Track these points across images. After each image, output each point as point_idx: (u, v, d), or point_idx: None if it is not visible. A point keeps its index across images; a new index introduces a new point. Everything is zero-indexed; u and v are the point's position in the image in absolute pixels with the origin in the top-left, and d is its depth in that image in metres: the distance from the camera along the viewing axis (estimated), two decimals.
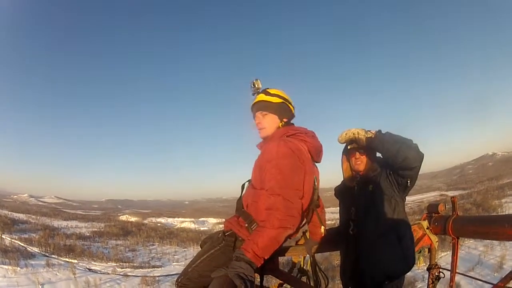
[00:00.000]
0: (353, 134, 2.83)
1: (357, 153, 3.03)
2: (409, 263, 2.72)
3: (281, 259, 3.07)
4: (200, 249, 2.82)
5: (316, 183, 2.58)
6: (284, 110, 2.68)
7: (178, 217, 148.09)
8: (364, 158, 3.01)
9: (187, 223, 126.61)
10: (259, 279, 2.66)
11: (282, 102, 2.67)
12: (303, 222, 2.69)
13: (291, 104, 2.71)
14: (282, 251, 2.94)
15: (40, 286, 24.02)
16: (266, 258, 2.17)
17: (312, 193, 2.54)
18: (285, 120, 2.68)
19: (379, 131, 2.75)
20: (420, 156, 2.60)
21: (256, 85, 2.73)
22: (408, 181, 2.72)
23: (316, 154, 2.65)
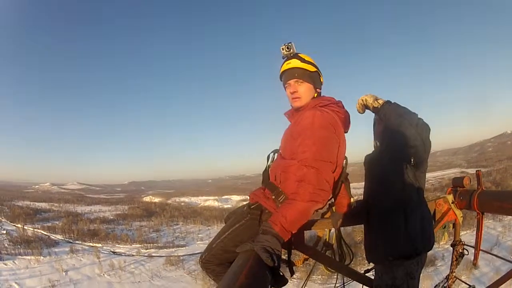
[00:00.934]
0: (362, 101, 2.73)
1: (377, 122, 2.82)
2: (416, 245, 2.50)
3: (305, 233, 2.89)
4: (224, 224, 2.77)
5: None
6: (317, 79, 2.59)
7: (202, 196, 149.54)
8: (380, 127, 2.77)
9: (211, 201, 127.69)
10: (286, 254, 2.55)
11: (316, 71, 2.56)
12: (332, 194, 2.58)
13: (321, 73, 2.62)
14: (308, 224, 2.80)
15: (64, 273, 24.12)
16: (293, 232, 2.11)
17: (342, 166, 2.47)
18: (318, 90, 2.59)
19: (388, 101, 2.60)
20: (421, 135, 2.40)
21: (291, 49, 2.56)
22: (412, 159, 2.50)
23: (346, 124, 2.56)
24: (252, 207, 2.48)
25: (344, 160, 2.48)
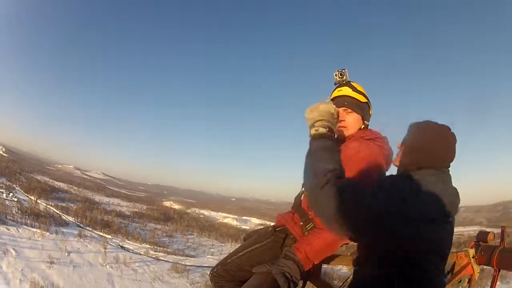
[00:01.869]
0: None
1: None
2: None
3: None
4: (243, 242, 2.74)
5: None
6: (367, 111, 2.54)
7: (222, 212, 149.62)
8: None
9: (230, 219, 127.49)
10: (301, 284, 2.49)
11: (366, 102, 2.51)
12: None
13: (371, 105, 2.56)
14: (328, 258, 2.51)
15: (66, 254, 23.30)
16: (315, 262, 2.10)
17: None
18: (366, 122, 2.54)
19: (313, 136, 1.85)
20: (321, 209, 1.69)
21: (344, 76, 2.51)
22: None
23: (388, 162, 2.36)
24: (277, 229, 2.44)
25: None
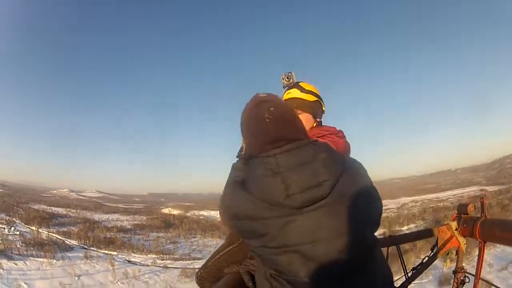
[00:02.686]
0: None
1: None
2: None
3: None
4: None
5: None
6: (318, 109, 2.58)
7: None
8: None
9: None
10: None
11: (317, 100, 2.57)
12: None
13: (323, 102, 2.62)
14: None
15: (76, 278, 23.47)
16: None
17: None
18: (318, 119, 2.58)
19: (240, 154, 1.99)
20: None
21: (291, 79, 2.58)
22: None
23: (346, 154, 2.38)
24: None
25: None
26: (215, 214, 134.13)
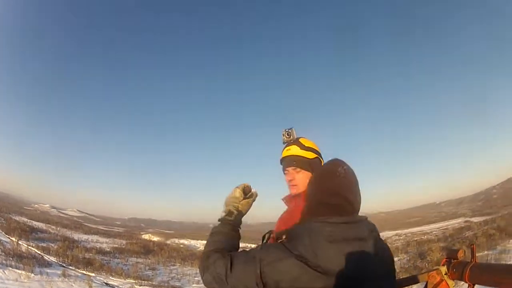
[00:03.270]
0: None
1: None
2: None
3: None
4: None
5: None
6: (317, 167, 2.48)
7: (201, 240, 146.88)
8: None
9: None
10: None
11: (316, 157, 2.55)
12: None
13: (322, 158, 2.57)
14: None
15: None
16: None
17: None
18: None
19: (220, 218, 2.18)
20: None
21: (291, 136, 2.61)
22: None
23: None
24: None
25: None
26: (195, 243, 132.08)
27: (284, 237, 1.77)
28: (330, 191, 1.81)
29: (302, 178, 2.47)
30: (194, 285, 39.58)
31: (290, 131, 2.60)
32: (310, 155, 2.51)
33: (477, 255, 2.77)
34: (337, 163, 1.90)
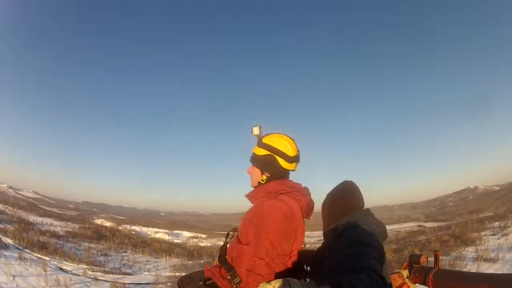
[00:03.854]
0: None
1: None
2: None
3: None
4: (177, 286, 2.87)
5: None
6: (268, 164, 2.54)
7: (153, 227, 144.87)
8: None
9: (161, 234, 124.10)
10: None
11: (268, 154, 2.52)
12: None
13: (283, 157, 2.50)
14: None
15: (11, 278, 23.71)
16: None
17: (298, 254, 2.45)
18: (267, 174, 2.55)
19: None
20: None
21: (254, 132, 2.71)
22: None
23: (307, 213, 2.54)
24: (208, 283, 2.48)
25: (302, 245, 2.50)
26: (147, 230, 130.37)
27: None
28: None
29: (253, 173, 2.59)
30: (145, 272, 40.62)
31: (253, 128, 2.67)
32: (262, 152, 2.52)
33: (429, 259, 2.99)
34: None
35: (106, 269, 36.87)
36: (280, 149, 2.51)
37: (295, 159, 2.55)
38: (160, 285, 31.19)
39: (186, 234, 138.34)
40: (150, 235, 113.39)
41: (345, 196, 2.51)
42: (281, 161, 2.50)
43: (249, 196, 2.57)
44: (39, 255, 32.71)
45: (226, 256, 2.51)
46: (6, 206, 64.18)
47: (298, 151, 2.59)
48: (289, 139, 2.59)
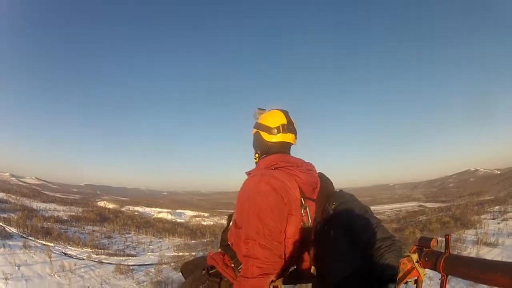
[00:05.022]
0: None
1: None
2: None
3: None
4: (180, 273, 2.75)
5: (310, 219, 2.34)
6: (256, 141, 2.54)
7: (156, 207, 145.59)
8: None
9: (164, 214, 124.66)
10: None
11: (255, 132, 2.53)
12: (291, 263, 2.43)
13: (265, 129, 2.45)
14: None
15: (16, 268, 24.34)
16: None
17: (300, 232, 2.30)
18: (258, 152, 2.51)
19: None
20: None
21: (256, 116, 2.63)
22: None
23: (309, 190, 2.37)
24: (211, 272, 2.39)
25: (302, 226, 2.32)
26: (150, 210, 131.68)
27: None
28: None
29: (253, 151, 2.60)
30: (149, 253, 41.52)
31: (255, 112, 2.62)
32: (253, 131, 2.55)
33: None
34: None
35: (110, 251, 37.67)
36: (262, 123, 2.47)
37: (279, 130, 2.41)
38: (164, 266, 31.92)
39: (189, 213, 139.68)
40: (153, 215, 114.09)
41: (323, 182, 2.62)
42: (264, 135, 2.44)
43: (248, 174, 2.43)
44: (43, 242, 33.41)
45: (229, 242, 2.42)
46: (9, 194, 63.82)
47: (287, 121, 2.45)
48: (276, 111, 2.52)
